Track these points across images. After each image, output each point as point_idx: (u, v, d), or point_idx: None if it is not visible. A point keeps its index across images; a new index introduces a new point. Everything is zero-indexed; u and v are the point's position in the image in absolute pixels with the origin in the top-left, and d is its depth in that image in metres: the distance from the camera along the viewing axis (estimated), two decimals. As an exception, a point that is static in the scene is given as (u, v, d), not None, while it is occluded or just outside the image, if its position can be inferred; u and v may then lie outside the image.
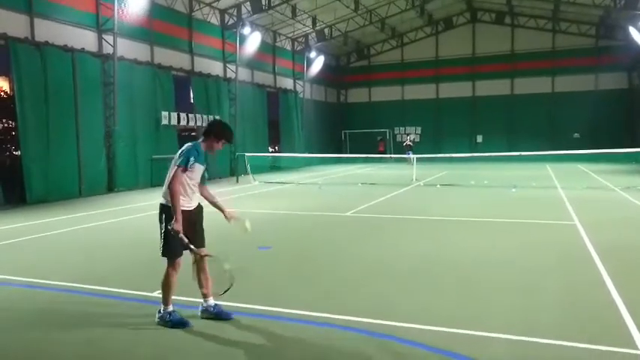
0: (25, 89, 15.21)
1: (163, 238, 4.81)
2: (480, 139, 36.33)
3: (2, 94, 17.57)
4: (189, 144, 5.00)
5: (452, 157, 25.98)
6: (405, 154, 29.43)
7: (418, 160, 20.80)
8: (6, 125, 16.99)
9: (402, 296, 5.66)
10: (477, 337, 4.42)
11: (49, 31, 16.14)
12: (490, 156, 21.63)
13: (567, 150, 21.82)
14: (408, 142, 32.16)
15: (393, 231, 9.80)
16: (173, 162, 4.93)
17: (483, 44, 36.33)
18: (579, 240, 8.37)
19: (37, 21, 15.84)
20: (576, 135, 33.42)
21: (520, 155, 20.91)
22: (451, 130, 36.63)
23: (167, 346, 4.43)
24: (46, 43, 15.92)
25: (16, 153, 16.05)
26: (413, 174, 19.91)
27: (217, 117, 6.61)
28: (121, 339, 4.60)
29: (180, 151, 4.98)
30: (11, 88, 16.93)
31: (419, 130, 38.72)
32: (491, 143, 33.77)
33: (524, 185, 17.33)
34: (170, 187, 4.74)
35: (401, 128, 39.12)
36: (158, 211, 4.91)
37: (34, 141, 15.35)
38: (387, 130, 38.64)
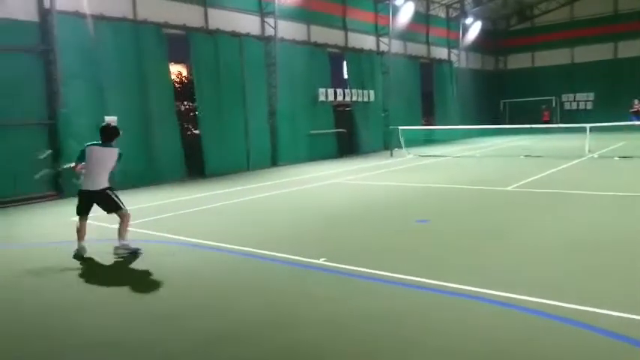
0: (202, 74, 16.96)
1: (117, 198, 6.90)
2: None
3: (183, 79, 19.75)
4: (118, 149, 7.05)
5: (633, 126, 22.84)
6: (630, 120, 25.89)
7: (591, 129, 18.68)
8: (186, 107, 19.11)
9: (567, 278, 5.24)
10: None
11: (219, 19, 17.67)
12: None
13: None
14: (636, 107, 27.82)
15: (559, 208, 9.03)
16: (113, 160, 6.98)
17: (677, -9, 30.91)
18: None
19: (210, 11, 17.43)
20: None
21: None
22: (631, 95, 32.00)
23: (324, 311, 4.70)
24: (217, 30, 17.47)
25: (196, 132, 18.01)
26: (586, 145, 17.99)
27: (110, 121, 7.69)
28: (288, 302, 5.00)
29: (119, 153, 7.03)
30: (190, 74, 18.99)
31: (591, 96, 34.62)
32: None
33: None
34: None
35: (569, 95, 35.36)
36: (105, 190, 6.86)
37: (210, 120, 17.12)
38: (553, 98, 35.25)
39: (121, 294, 5.53)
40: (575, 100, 35.07)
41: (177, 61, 20.02)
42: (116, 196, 6.93)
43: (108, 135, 7.01)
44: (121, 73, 14.63)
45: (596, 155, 17.02)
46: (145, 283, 5.83)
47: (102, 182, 6.82)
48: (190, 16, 16.78)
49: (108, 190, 6.86)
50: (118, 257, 6.79)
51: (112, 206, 6.89)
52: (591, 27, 33.77)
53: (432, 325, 4.28)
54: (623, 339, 3.76)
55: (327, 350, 3.94)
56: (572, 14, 34.88)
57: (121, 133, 7.18)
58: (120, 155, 7.01)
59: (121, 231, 6.87)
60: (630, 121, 25.67)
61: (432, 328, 4.22)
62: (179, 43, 17.11)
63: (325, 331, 4.27)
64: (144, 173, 14.87)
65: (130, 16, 15.14)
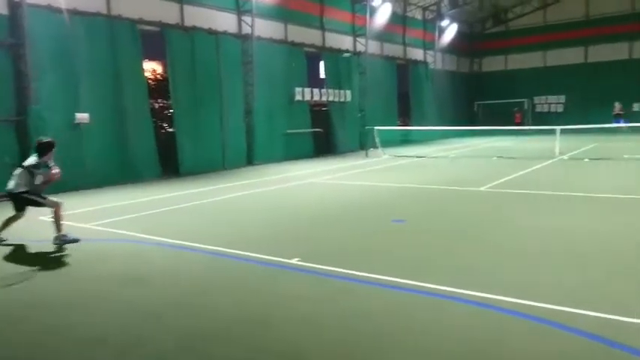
0: (177, 71, 16.74)
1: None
2: (637, 107, 32.16)
3: (158, 76, 19.48)
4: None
5: (602, 128, 23.44)
6: (614, 123, 26.59)
7: (563, 131, 19.11)
8: (161, 105, 18.85)
9: (542, 278, 5.33)
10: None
11: (196, 17, 17.47)
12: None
13: None
14: (618, 111, 28.66)
15: (530, 208, 9.20)
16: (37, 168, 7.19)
17: (645, -2, 31.83)
18: None
19: (186, 7, 17.21)
20: None
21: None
22: (601, 98, 32.79)
23: (298, 311, 4.69)
24: (194, 27, 17.28)
25: (170, 130, 17.78)
26: (556, 147, 18.39)
27: (45, 139, 7.82)
28: (262, 302, 4.97)
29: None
30: (165, 71, 18.74)
31: (562, 98, 35.42)
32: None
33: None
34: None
35: (542, 97, 36.10)
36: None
37: (185, 118, 16.91)
38: (526, 100, 35.93)
39: (99, 292, 5.43)
40: (546, 103, 35.85)
41: (152, 58, 19.74)
42: (36, 196, 7.31)
43: (39, 150, 7.39)
44: (94, 70, 14.34)
45: (566, 157, 17.41)
46: (119, 281, 5.72)
47: (17, 186, 7.26)
48: (166, 13, 16.54)
49: (25, 194, 7.27)
50: (57, 247, 7.16)
51: (34, 205, 7.37)
52: (563, 31, 34.57)
53: (409, 325, 4.30)
54: (598, 339, 3.83)
55: (302, 350, 3.93)
56: (545, 18, 35.64)
57: (53, 149, 7.45)
58: (27, 168, 7.28)
59: (56, 222, 7.23)
60: (616, 123, 26.40)
61: (409, 328, 4.25)
62: (154, 39, 16.88)
63: (300, 331, 4.26)
64: (117, 171, 14.63)
65: (104, 11, 14.84)
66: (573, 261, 5.86)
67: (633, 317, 4.14)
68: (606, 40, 33.08)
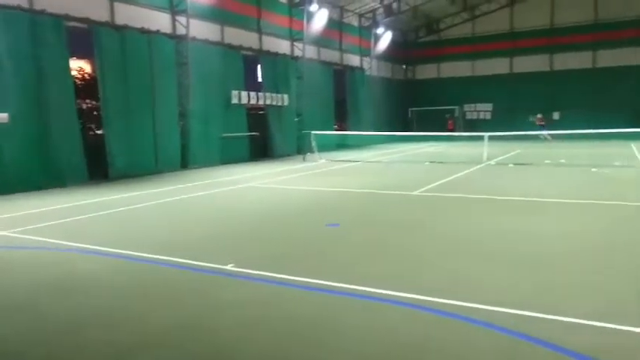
0: (107, 71, 16.07)
1: None
2: (556, 115, 34.40)
3: (86, 76, 18.64)
4: None
5: (526, 135, 24.82)
6: (539, 130, 28.03)
7: (489, 138, 20.07)
8: (90, 105, 18.06)
9: (472, 277, 5.56)
10: (558, 322, 4.27)
11: (127, 15, 16.88)
12: (568, 133, 20.45)
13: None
14: (539, 122, 30.19)
15: (460, 210, 9.59)
16: None
17: (563, 14, 34.11)
18: (667, 224, 7.81)
19: (116, 5, 16.59)
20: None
21: (601, 133, 19.62)
22: (525, 107, 34.85)
23: (231, 316, 4.63)
24: (125, 26, 16.68)
25: (99, 132, 17.06)
26: (484, 152, 19.28)
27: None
28: (193, 309, 4.86)
29: None
30: (94, 70, 17.96)
31: (490, 106, 37.27)
32: (569, 120, 31.92)
33: (606, 164, 16.33)
34: None
35: (471, 105, 37.81)
36: None
37: (115, 120, 16.26)
38: (457, 108, 37.49)
39: (16, 303, 5.08)
40: (475, 110, 37.57)
41: (80, 57, 18.89)
42: None
43: None
44: (16, 67, 13.52)
45: (493, 162, 18.28)
46: (39, 291, 5.39)
47: None
48: (95, 10, 15.88)
49: None
50: None
51: None
52: (490, 42, 36.44)
53: (338, 327, 4.33)
54: (522, 337, 4.01)
55: (233, 355, 3.86)
56: (473, 30, 37.37)
57: None
58: None
59: None
60: (541, 130, 28.05)
61: (338, 330, 4.28)
62: (82, 37, 16.13)
63: (232, 336, 4.19)
64: (40, 175, 13.87)
65: (26, 5, 14.04)
66: (498, 262, 6.14)
67: (542, 313, 4.40)
68: (529, 52, 35.23)
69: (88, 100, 17.99)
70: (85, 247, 7.15)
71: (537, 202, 10.12)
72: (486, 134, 20.14)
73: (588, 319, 4.24)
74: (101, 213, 9.96)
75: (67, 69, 15.30)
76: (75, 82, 16.40)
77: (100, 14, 16.08)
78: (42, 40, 14.17)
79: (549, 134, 26.34)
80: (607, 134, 20.47)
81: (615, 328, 4.09)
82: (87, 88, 17.69)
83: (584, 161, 17.56)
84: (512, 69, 36.35)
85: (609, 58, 32.97)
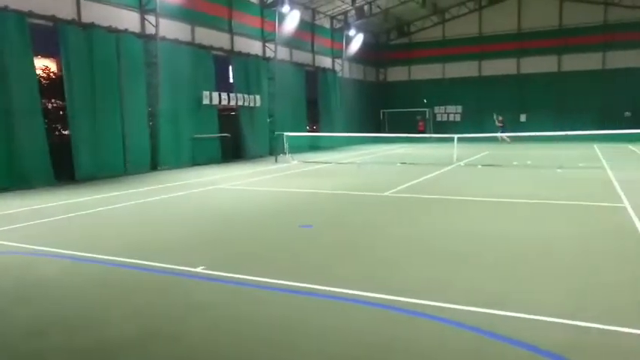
0: (73, 70, 15.67)
1: None
2: (523, 118, 35.23)
3: (51, 74, 18.14)
4: None
5: (494, 137, 25.35)
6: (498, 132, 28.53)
7: (459, 140, 20.38)
8: (55, 105, 17.58)
9: (442, 277, 5.61)
10: (525, 319, 4.34)
11: (94, 13, 16.50)
12: (535, 135, 20.94)
13: (617, 129, 20.89)
14: (499, 124, 30.44)
15: (430, 211, 9.69)
16: None
17: (530, 19, 34.96)
18: (630, 223, 8.05)
19: (83, 3, 16.20)
20: (627, 114, 31.96)
21: (566, 135, 20.17)
22: (494, 109, 35.55)
23: (201, 318, 4.56)
24: (92, 24, 16.30)
25: (65, 132, 16.62)
26: (454, 154, 19.57)
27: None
28: (161, 312, 4.76)
29: None
30: (59, 69, 17.50)
31: (459, 109, 37.88)
32: (535, 122, 32.79)
33: (571, 166, 16.77)
34: None
35: (442, 107, 38.36)
36: None
37: (81, 120, 15.86)
38: (427, 110, 37.98)
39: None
40: (445, 112, 38.13)
41: (45, 55, 18.38)
42: None
43: None
44: (-25, 65, 13.07)
45: (462, 163, 18.57)
46: (-4, 300, 5.20)
47: None
48: (60, 7, 15.47)
49: None
50: None
51: None
52: (459, 46, 37.06)
53: (309, 329, 4.31)
54: (489, 335, 4.06)
55: (198, 359, 3.80)
56: (443, 33, 37.92)
57: None
58: None
59: None
60: (501, 132, 28.65)
61: (313, 332, 4.25)
62: (47, 35, 15.70)
63: (198, 339, 4.11)
64: (5, 176, 13.45)
65: (-13, 1, 13.59)
66: (472, 261, 6.22)
67: (512, 312, 4.47)
68: (497, 55, 35.97)
69: (53, 100, 17.49)
70: (49, 251, 6.94)
71: (506, 203, 10.31)
72: (456, 136, 20.46)
73: (558, 318, 4.32)
74: (66, 216, 9.69)
75: (32, 67, 14.84)
76: (40, 81, 15.94)
77: (66, 12, 15.68)
78: (4, 38, 13.73)
79: (508, 136, 27.05)
80: (572, 136, 21.06)
81: (584, 326, 4.18)
82: (52, 87, 17.19)
83: (550, 162, 17.99)
84: (481, 72, 37.04)
85: (575, 62, 33.92)
